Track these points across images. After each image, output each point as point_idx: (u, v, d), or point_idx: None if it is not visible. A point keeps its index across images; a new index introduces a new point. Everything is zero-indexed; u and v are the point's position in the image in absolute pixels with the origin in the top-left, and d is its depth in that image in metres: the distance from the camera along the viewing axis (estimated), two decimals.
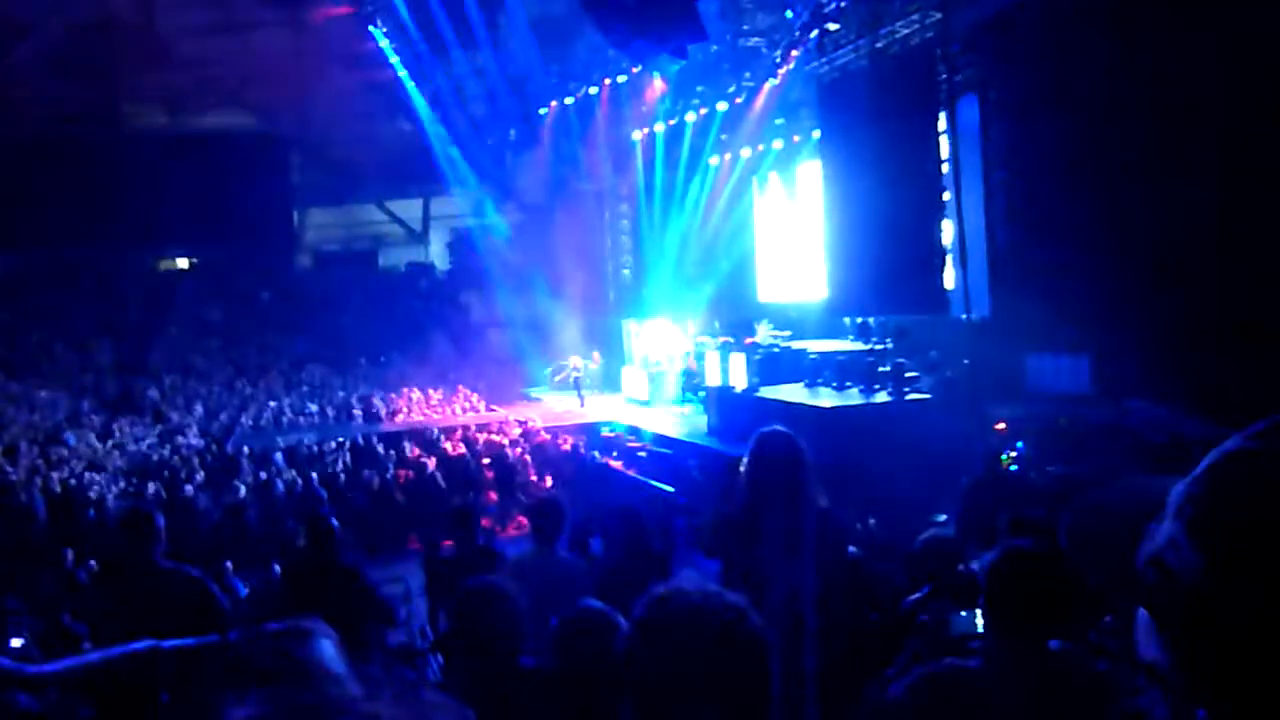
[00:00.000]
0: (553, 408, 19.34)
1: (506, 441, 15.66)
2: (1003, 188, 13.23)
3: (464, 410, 19.48)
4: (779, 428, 3.25)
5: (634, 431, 16.33)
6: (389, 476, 13.86)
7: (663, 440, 15.44)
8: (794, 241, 19.32)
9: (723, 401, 15.22)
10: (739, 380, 15.92)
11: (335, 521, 5.14)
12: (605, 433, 16.95)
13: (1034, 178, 12.63)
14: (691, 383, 17.60)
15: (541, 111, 21.38)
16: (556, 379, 20.75)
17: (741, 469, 3.28)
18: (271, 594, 4.64)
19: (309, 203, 26.98)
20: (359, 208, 27.93)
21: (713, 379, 17.20)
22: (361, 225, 28.38)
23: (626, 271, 23.85)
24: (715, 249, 21.49)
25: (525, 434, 16.41)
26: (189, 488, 12.79)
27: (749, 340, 16.65)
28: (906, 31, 14.17)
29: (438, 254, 28.95)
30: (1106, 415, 10.01)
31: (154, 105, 21.86)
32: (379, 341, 23.21)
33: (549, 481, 14.66)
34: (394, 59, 19.93)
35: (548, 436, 16.12)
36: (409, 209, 28.71)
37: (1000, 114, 13.32)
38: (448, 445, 15.57)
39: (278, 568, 5.34)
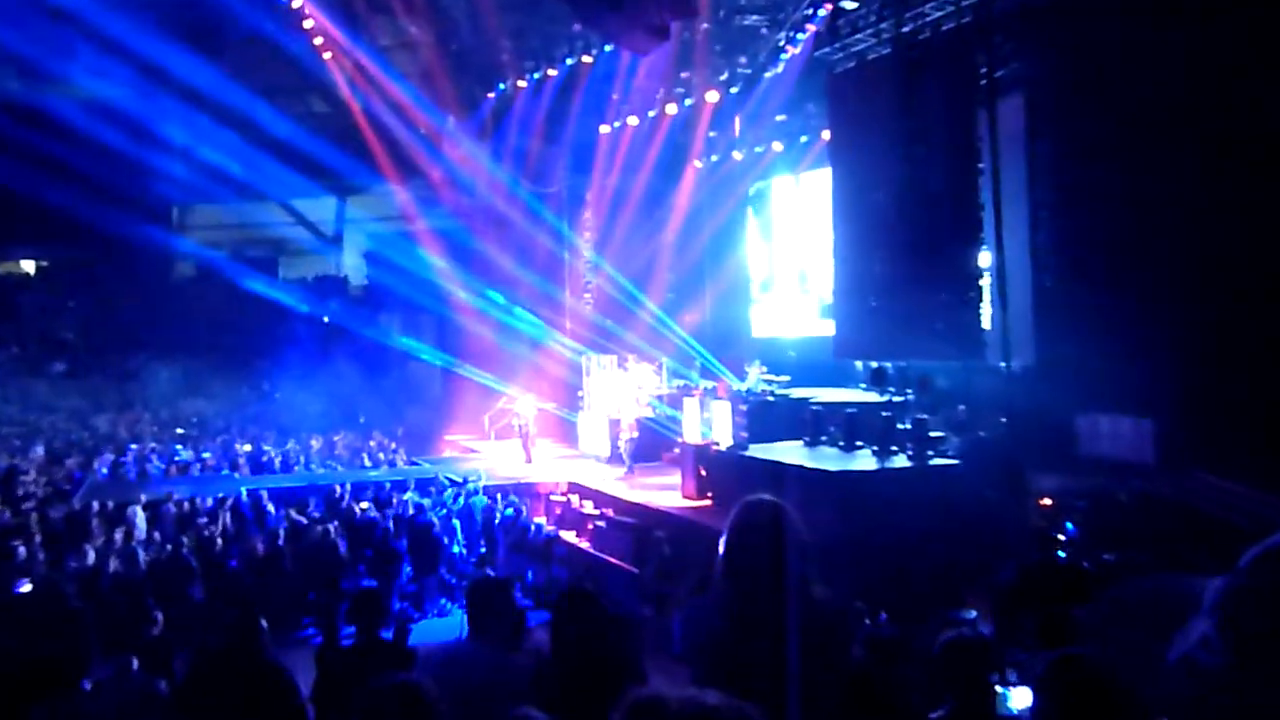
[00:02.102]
0: (491, 462, 19.38)
1: (428, 504, 15.55)
2: (1051, 209, 13.25)
3: (377, 462, 19.45)
4: (766, 497, 3.20)
5: (590, 495, 16.42)
6: (279, 544, 13.76)
7: (625, 508, 15.45)
8: (795, 266, 19.80)
9: (702, 461, 15.36)
10: (723, 435, 16.12)
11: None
12: (555, 498, 17.04)
13: (1090, 198, 12.59)
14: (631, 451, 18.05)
15: (489, 95, 21.58)
16: (497, 426, 21.03)
17: (720, 548, 3.25)
18: (132, 697, 4.49)
19: (193, 198, 26.66)
20: (256, 206, 27.55)
21: (691, 432, 17.48)
22: (259, 228, 28.36)
23: (588, 296, 23.86)
24: (699, 271, 22.21)
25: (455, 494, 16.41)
26: (21, 551, 12.42)
27: (725, 388, 17.11)
28: (939, 14, 14.26)
29: (353, 265, 29.42)
30: (1171, 489, 10.12)
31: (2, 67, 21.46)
32: (274, 371, 23.47)
33: (483, 555, 14.78)
34: (308, 23, 19.96)
35: (488, 500, 15.94)
36: (319, 209, 28.81)
37: (1051, 119, 13.33)
38: (356, 506, 15.56)
39: (135, 662, 5.21)
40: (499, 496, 16.28)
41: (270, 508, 15.59)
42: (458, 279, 23.06)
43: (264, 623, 5.24)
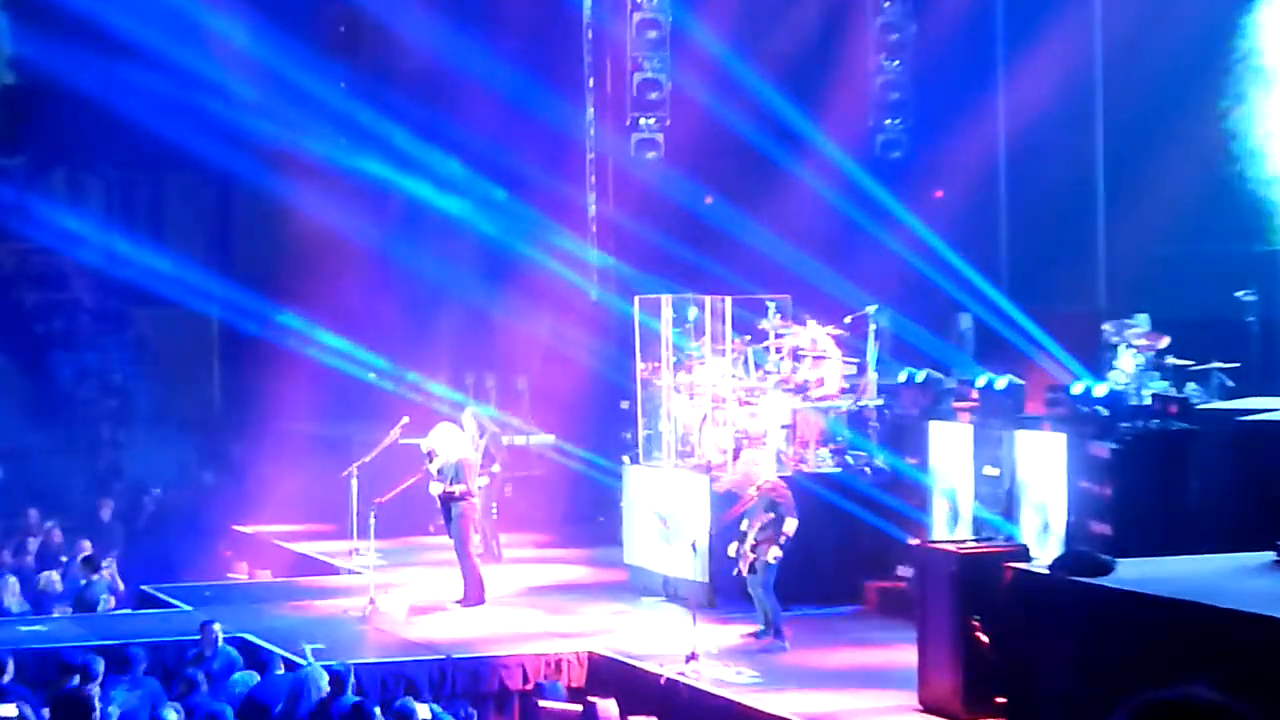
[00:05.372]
0: (371, 603, 15.45)
1: None
2: None
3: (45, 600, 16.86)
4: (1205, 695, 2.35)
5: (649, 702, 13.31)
6: None
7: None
8: None
9: (980, 604, 11.57)
10: (1044, 528, 13.64)
11: None
12: (552, 707, 13.62)
13: None
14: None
15: None
16: (387, 496, 16.21)
17: None
18: None
19: None
20: None
21: (945, 519, 14.70)
22: None
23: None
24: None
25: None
26: None
27: (1058, 396, 14.56)
28: None
29: None
30: None
31: None
32: None
33: None
34: None
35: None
36: None
37: None
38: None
39: None
40: (384, 688, 13.37)
41: None
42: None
43: None
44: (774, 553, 13.87)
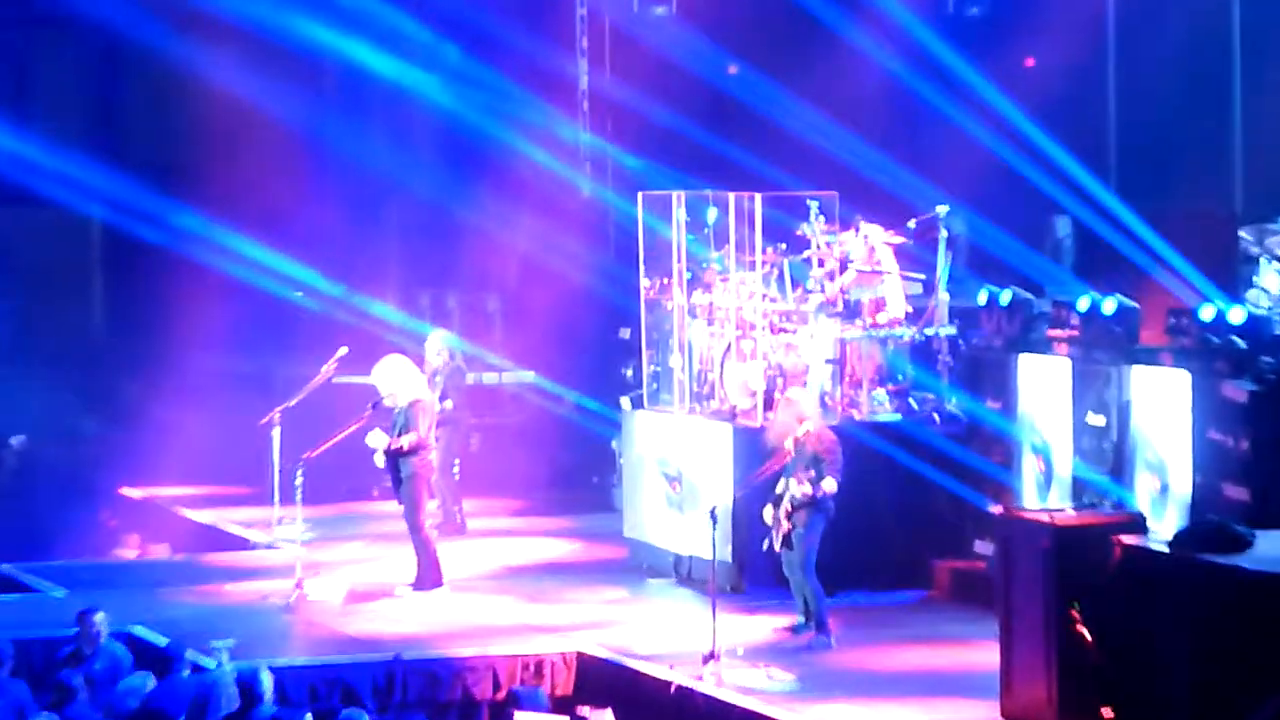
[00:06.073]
0: (305, 584, 15.59)
1: None
2: None
3: None
4: None
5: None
6: None
7: None
8: None
9: (1080, 588, 11.52)
10: (1163, 489, 13.98)
11: None
12: None
13: None
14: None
15: None
16: (324, 446, 16.19)
17: None
18: None
19: None
20: None
21: (1034, 484, 15.21)
22: None
23: None
24: None
25: None
26: None
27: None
28: None
29: None
30: None
31: None
32: None
33: None
34: None
35: None
36: None
37: None
38: None
39: None
40: (315, 696, 13.55)
41: None
42: None
43: None
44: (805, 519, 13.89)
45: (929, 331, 16.28)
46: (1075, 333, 14.96)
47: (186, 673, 12.99)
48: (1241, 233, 15.68)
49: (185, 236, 24.15)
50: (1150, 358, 14.37)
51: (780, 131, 19.23)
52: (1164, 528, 12.23)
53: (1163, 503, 13.57)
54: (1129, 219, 17.34)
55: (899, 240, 16.09)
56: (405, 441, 15.52)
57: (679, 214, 16.75)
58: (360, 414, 15.99)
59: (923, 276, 16.53)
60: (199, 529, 19.06)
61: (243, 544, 18.38)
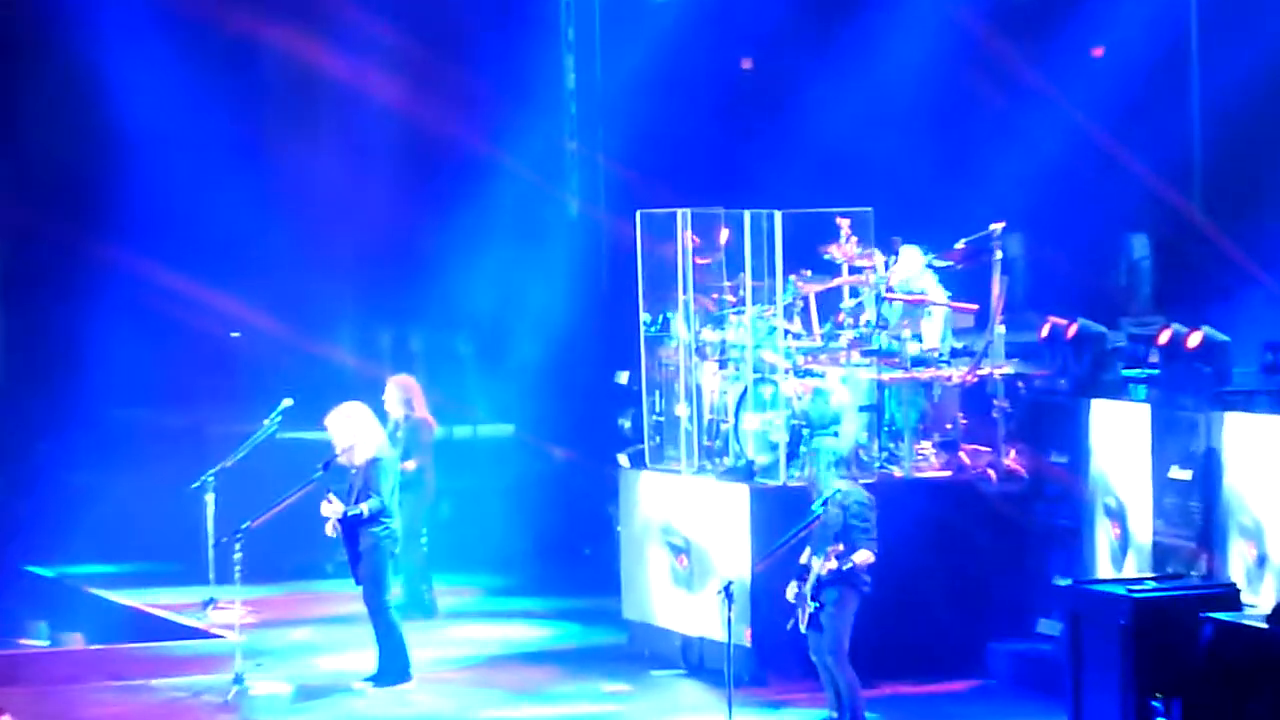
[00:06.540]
0: None
1: None
2: None
3: None
4: None
5: None
6: None
7: None
8: None
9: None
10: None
11: None
12: None
13: None
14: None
15: None
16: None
17: None
18: None
19: None
20: None
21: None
22: None
23: None
24: None
25: None
26: None
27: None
28: None
29: None
30: None
31: None
32: None
33: None
34: None
35: None
36: None
37: None
38: None
39: None
40: None
41: None
42: None
43: None
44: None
45: (982, 372, 15.94)
46: (1154, 371, 14.85)
47: None
48: None
49: (93, 261, 23.84)
50: (1244, 402, 14.15)
51: (803, 137, 19.02)
52: (1262, 601, 12.14)
53: (1260, 573, 13.19)
54: (1216, 237, 17.25)
55: (945, 264, 15.89)
56: (365, 508, 15.09)
57: (684, 235, 16.41)
58: (310, 476, 15.45)
59: (974, 307, 16.27)
60: (119, 613, 18.74)
61: (172, 630, 17.86)
